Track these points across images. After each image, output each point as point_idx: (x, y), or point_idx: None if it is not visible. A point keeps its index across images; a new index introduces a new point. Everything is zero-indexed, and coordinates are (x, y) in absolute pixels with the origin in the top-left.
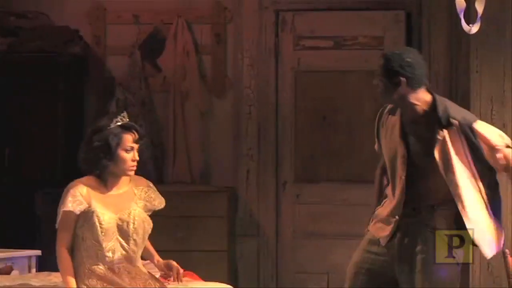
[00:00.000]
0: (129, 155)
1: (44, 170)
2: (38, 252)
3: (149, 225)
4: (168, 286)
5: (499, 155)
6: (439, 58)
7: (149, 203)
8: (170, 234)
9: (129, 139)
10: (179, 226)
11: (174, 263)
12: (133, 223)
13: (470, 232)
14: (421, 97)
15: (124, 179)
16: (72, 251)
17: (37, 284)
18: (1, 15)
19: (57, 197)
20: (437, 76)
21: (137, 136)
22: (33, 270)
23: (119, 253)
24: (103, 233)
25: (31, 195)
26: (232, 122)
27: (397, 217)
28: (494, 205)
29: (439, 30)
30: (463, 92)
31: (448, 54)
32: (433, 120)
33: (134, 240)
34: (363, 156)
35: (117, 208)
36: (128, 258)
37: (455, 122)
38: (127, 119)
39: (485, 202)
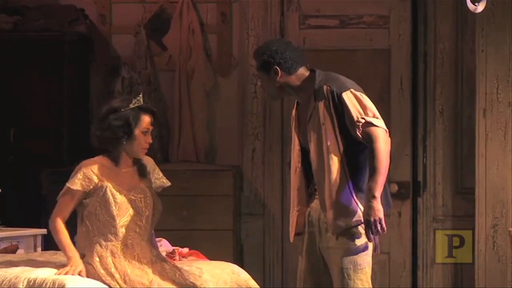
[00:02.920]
0: (145, 137)
1: (50, 149)
2: (43, 231)
3: (159, 202)
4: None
5: (358, 131)
6: (444, 37)
7: (158, 180)
8: (175, 213)
9: (146, 121)
10: (185, 205)
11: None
12: (145, 199)
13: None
14: (301, 77)
15: (133, 158)
16: (84, 227)
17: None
18: None
19: (63, 176)
20: (442, 55)
21: (152, 119)
22: (39, 249)
23: (132, 229)
24: (117, 208)
25: (36, 175)
26: (238, 101)
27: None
28: (358, 179)
29: (445, 9)
30: (469, 71)
31: (454, 33)
32: (311, 92)
33: (147, 216)
34: None
35: (129, 185)
36: (140, 234)
37: (327, 90)
38: (143, 101)
39: (346, 176)
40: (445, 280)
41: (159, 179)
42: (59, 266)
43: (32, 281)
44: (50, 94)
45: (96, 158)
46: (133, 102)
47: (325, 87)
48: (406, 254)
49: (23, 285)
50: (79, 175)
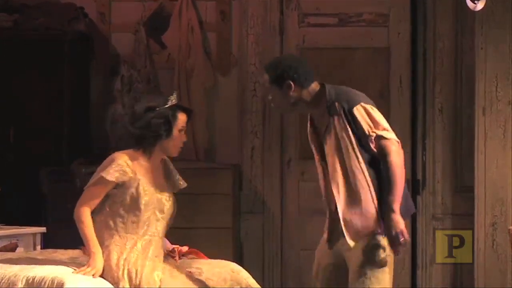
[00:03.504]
0: (181, 136)
1: (49, 148)
2: (43, 229)
3: (175, 203)
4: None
5: (372, 145)
6: (444, 35)
7: (176, 181)
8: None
9: (183, 119)
10: (184, 203)
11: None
12: (169, 199)
13: (339, 215)
14: (312, 92)
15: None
16: (103, 216)
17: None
18: None
19: (62, 175)
20: (442, 54)
21: (187, 118)
22: (38, 247)
23: (153, 225)
24: (143, 204)
25: (36, 173)
26: (237, 99)
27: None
28: (384, 189)
29: (444, 7)
30: (468, 70)
31: (453, 31)
32: (324, 107)
33: (167, 215)
34: None
35: (157, 183)
36: (158, 231)
37: (339, 106)
38: (176, 100)
39: (368, 186)
40: (445, 279)
41: (177, 180)
42: (59, 264)
43: (31, 280)
44: (50, 93)
45: (128, 151)
46: (170, 100)
47: (336, 103)
48: (406, 253)
49: (22, 284)
50: (114, 166)
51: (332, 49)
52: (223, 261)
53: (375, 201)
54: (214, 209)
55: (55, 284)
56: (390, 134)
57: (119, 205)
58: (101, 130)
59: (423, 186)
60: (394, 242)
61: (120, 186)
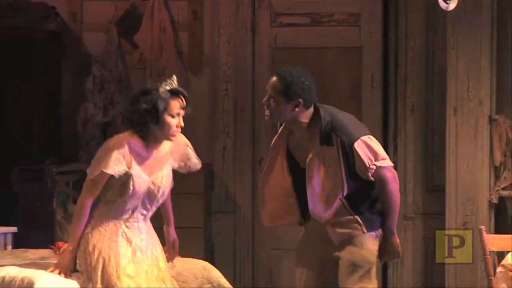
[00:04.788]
0: (175, 121)
1: (20, 147)
2: (14, 229)
3: (171, 179)
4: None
5: (370, 174)
6: (415, 34)
7: (183, 163)
8: None
9: (176, 105)
10: None
11: (177, 242)
12: (163, 188)
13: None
14: (309, 114)
15: (165, 141)
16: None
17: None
18: None
19: (33, 174)
20: (413, 53)
21: (184, 102)
22: (9, 247)
23: (138, 212)
24: (131, 195)
25: (7, 173)
26: (209, 99)
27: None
28: (356, 204)
29: (416, 7)
30: (440, 69)
31: (425, 31)
32: (316, 133)
33: (157, 201)
34: None
35: (152, 170)
36: (145, 217)
37: (337, 139)
38: (176, 84)
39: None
40: (416, 279)
41: (186, 161)
42: (29, 264)
43: (1, 279)
44: (20, 92)
45: (126, 136)
46: (164, 85)
47: (334, 135)
48: None
49: None
50: (113, 159)
51: (304, 48)
52: (194, 259)
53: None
54: (186, 209)
55: (25, 283)
56: (387, 162)
57: (108, 192)
58: (73, 130)
59: None
60: (390, 260)
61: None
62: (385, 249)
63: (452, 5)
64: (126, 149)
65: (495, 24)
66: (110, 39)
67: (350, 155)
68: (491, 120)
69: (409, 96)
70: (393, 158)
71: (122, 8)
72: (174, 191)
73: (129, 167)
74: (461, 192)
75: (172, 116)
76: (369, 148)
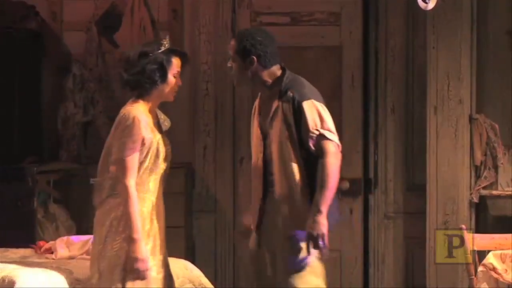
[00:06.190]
0: (175, 80)
1: (0, 146)
2: None
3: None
4: None
5: (311, 141)
6: (395, 33)
7: (163, 125)
8: None
9: (177, 63)
10: None
11: None
12: (168, 146)
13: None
14: (273, 74)
15: None
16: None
17: None
18: None
19: (13, 173)
20: (393, 52)
21: (182, 62)
22: None
23: (163, 180)
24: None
25: None
26: (189, 98)
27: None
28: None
29: (396, 6)
30: (420, 68)
31: (405, 30)
32: (277, 92)
33: (163, 167)
34: None
35: (157, 130)
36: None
37: (290, 94)
38: (170, 44)
39: (303, 180)
40: (397, 278)
41: (163, 121)
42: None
43: None
44: (0, 91)
45: (140, 108)
46: (162, 44)
47: (289, 91)
48: (358, 251)
49: None
50: (131, 143)
51: (284, 47)
52: (175, 259)
53: (305, 198)
54: (166, 208)
55: (6, 283)
56: (334, 136)
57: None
58: (53, 129)
59: (375, 185)
60: (313, 243)
61: None
62: (308, 228)
63: (431, 5)
64: (140, 124)
65: (475, 23)
66: (90, 38)
67: (298, 115)
68: (471, 119)
69: (389, 95)
70: (374, 157)
71: (102, 7)
72: None
73: (142, 143)
74: (442, 191)
75: (174, 76)
76: (318, 112)
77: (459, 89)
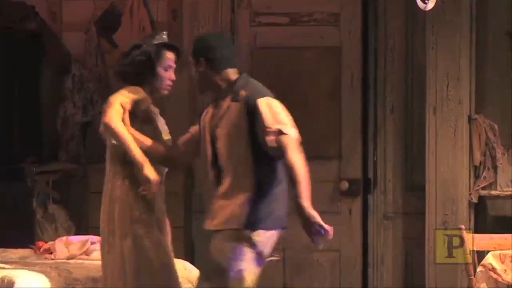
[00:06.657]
0: (167, 74)
1: (0, 146)
2: None
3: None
4: None
5: (269, 138)
6: (395, 34)
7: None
8: None
9: (169, 57)
10: None
11: None
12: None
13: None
14: (227, 78)
15: None
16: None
17: None
18: None
19: (13, 173)
20: (393, 52)
21: (176, 56)
22: None
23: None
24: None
25: None
26: (188, 99)
27: None
28: (261, 189)
29: (395, 6)
30: (419, 69)
31: (404, 31)
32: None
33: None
34: (319, 133)
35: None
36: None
37: (243, 94)
38: (167, 39)
39: (250, 181)
40: (396, 278)
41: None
42: (9, 263)
43: None
44: (0, 91)
45: (136, 90)
46: (156, 38)
47: (242, 91)
48: (357, 251)
49: None
50: (115, 104)
51: (283, 48)
52: (175, 259)
53: (252, 195)
54: (166, 208)
55: (5, 283)
56: (290, 130)
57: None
58: (53, 129)
59: (374, 185)
60: (317, 237)
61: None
62: (304, 228)
63: (430, 5)
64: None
65: (474, 24)
66: (89, 38)
67: (252, 114)
68: (470, 119)
69: (388, 96)
70: (373, 157)
71: (102, 7)
72: None
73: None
74: (441, 191)
75: (165, 69)
76: (273, 109)
77: (459, 89)
